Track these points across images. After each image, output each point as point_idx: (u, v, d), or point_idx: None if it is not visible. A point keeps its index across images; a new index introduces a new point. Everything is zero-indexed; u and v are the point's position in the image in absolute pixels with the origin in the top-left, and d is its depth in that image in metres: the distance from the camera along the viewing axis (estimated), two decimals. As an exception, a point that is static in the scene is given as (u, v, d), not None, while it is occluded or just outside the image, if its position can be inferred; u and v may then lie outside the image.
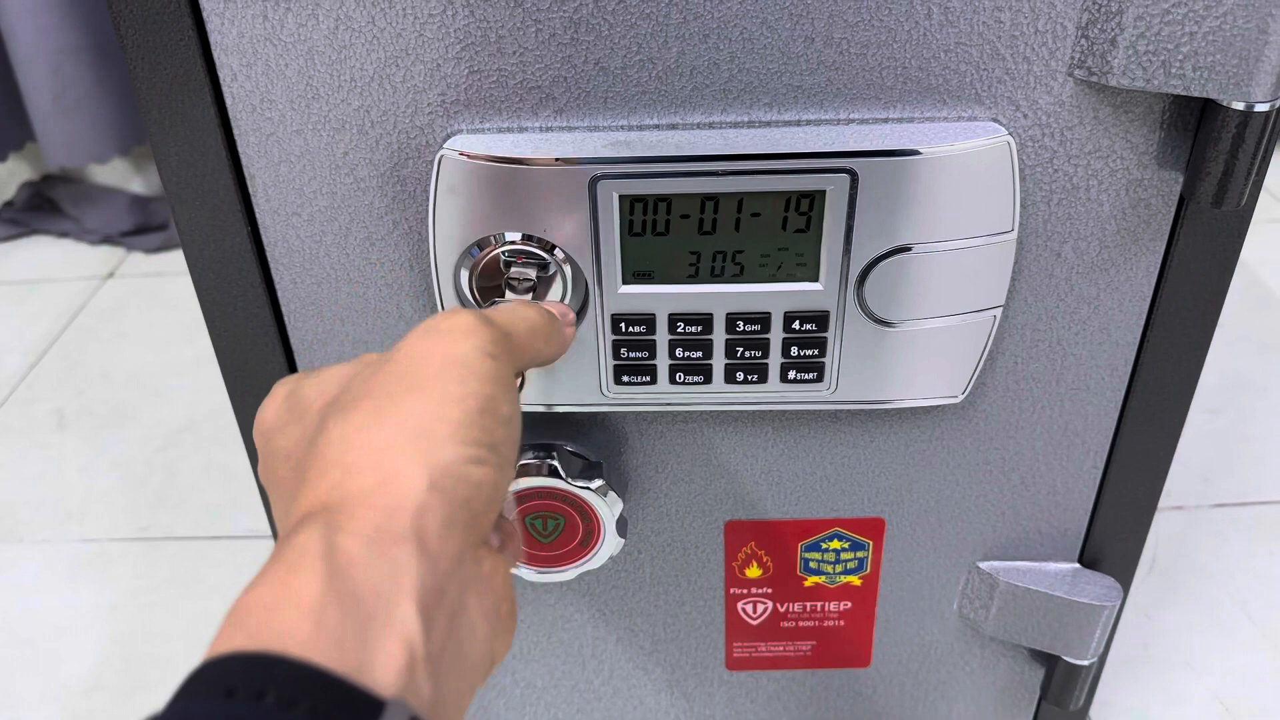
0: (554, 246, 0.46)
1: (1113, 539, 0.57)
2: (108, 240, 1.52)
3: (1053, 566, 0.59)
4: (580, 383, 0.50)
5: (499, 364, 0.35)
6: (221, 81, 0.43)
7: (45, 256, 1.51)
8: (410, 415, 0.32)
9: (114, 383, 1.21)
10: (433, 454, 0.31)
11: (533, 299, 0.47)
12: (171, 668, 0.86)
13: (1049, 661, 0.61)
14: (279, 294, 0.49)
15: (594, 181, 0.44)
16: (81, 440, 1.13)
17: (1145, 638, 0.83)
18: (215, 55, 0.43)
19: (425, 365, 0.33)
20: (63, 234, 1.54)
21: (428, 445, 0.31)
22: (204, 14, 0.42)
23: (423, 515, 0.30)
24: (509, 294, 0.47)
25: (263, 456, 0.37)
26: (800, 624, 0.62)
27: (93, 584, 0.95)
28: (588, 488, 0.52)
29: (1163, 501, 0.96)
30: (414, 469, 0.31)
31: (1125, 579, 0.59)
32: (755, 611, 0.62)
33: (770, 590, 0.61)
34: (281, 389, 0.37)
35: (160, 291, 1.40)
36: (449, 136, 0.44)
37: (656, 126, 0.44)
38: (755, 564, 0.60)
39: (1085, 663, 0.60)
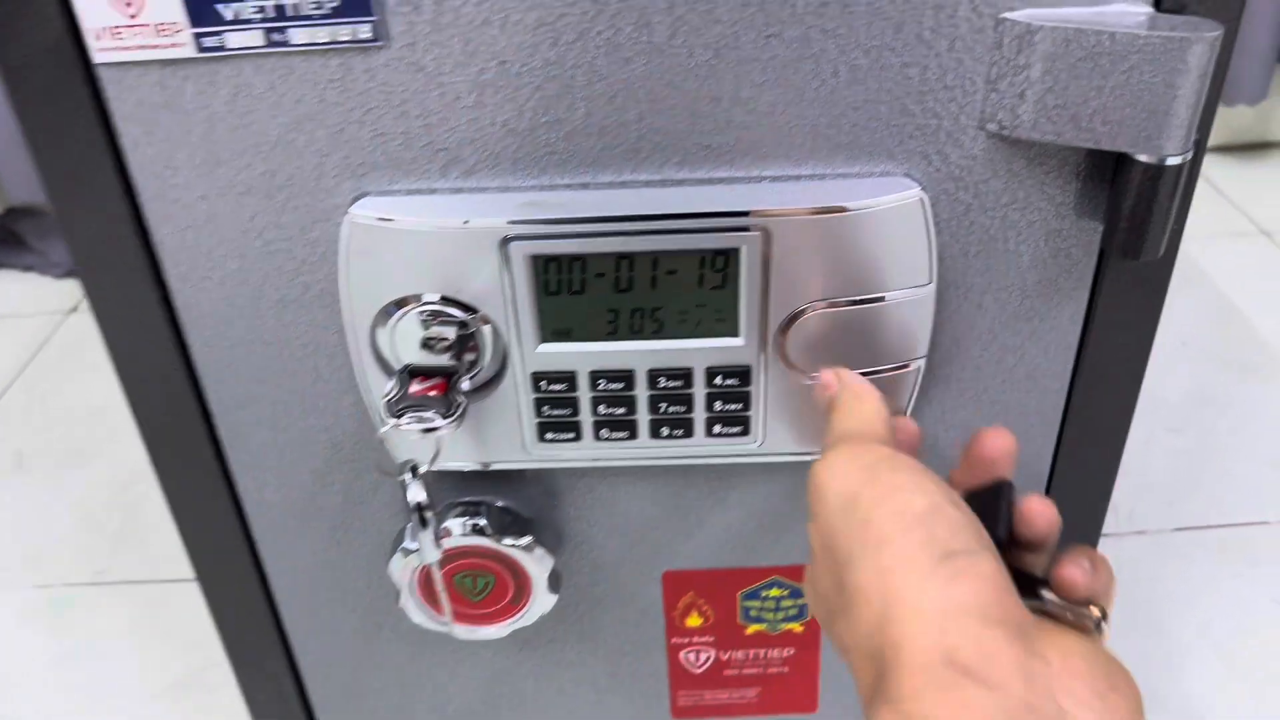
0: (472, 307, 0.45)
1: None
2: (72, 274, 1.50)
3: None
4: (505, 441, 0.49)
5: (876, 469, 0.35)
6: (123, 149, 0.43)
7: (9, 291, 1.50)
8: (865, 589, 0.31)
9: (76, 420, 1.20)
10: (913, 604, 0.30)
11: (450, 358, 0.46)
12: (126, 717, 0.85)
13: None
14: (194, 357, 0.48)
15: (505, 242, 0.43)
16: (40, 481, 1.12)
17: (1105, 668, 0.83)
18: (115, 123, 0.42)
19: (836, 535, 0.34)
20: (27, 268, 1.53)
21: (903, 600, 0.31)
22: (101, 82, 0.41)
23: (953, 656, 0.29)
24: (426, 354, 0.46)
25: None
26: (744, 671, 0.62)
27: (46, 632, 0.94)
28: (515, 545, 0.51)
29: (1125, 526, 0.95)
30: (909, 628, 0.30)
31: (1069, 621, 0.58)
32: (698, 660, 0.61)
33: (712, 639, 0.60)
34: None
35: (124, 325, 1.39)
36: (357, 199, 0.43)
37: (568, 186, 0.44)
38: (695, 613, 0.59)
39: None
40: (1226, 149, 1.64)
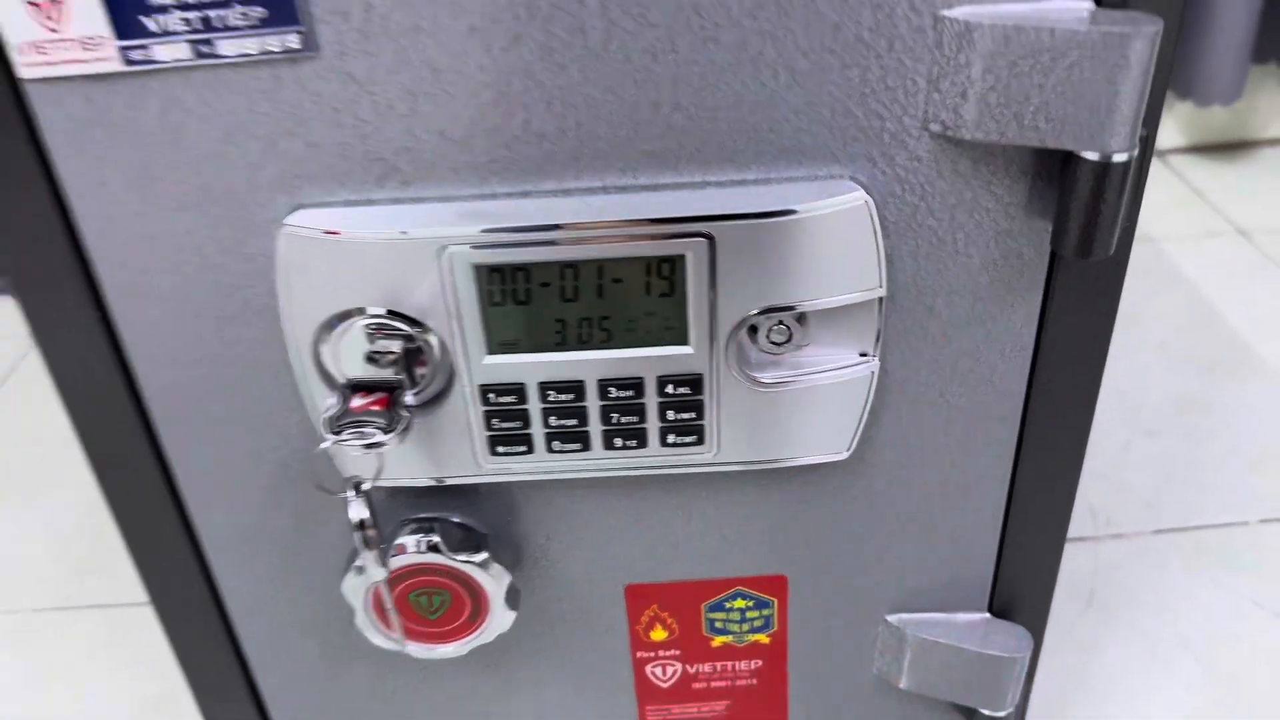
0: (417, 320, 0.44)
1: (1021, 586, 0.56)
2: (46, 296, 1.49)
3: (963, 617, 0.57)
4: (457, 455, 0.48)
5: None
6: (53, 166, 0.42)
7: (-19, 315, 1.48)
8: None
9: (45, 445, 1.19)
10: None
11: (396, 372, 0.45)
12: (92, 744, 0.84)
13: (967, 714, 0.60)
14: (136, 377, 0.47)
15: (444, 252, 0.42)
16: (9, 506, 1.10)
17: (1083, 674, 0.82)
18: (43, 139, 0.41)
19: None
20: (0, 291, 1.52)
21: None
22: (27, 97, 0.40)
23: None
24: (372, 369, 0.45)
25: None
26: (712, 684, 0.61)
27: (13, 657, 0.92)
28: (470, 561, 0.50)
29: (1102, 529, 0.95)
30: None
31: (1037, 626, 0.58)
32: (665, 674, 0.60)
33: (678, 652, 0.59)
34: None
35: (98, 347, 1.38)
36: (293, 211, 0.43)
37: (509, 195, 0.43)
38: (660, 626, 0.58)
39: (1002, 714, 0.58)
40: (1202, 149, 1.64)
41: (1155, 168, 1.61)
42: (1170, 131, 1.64)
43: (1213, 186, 1.53)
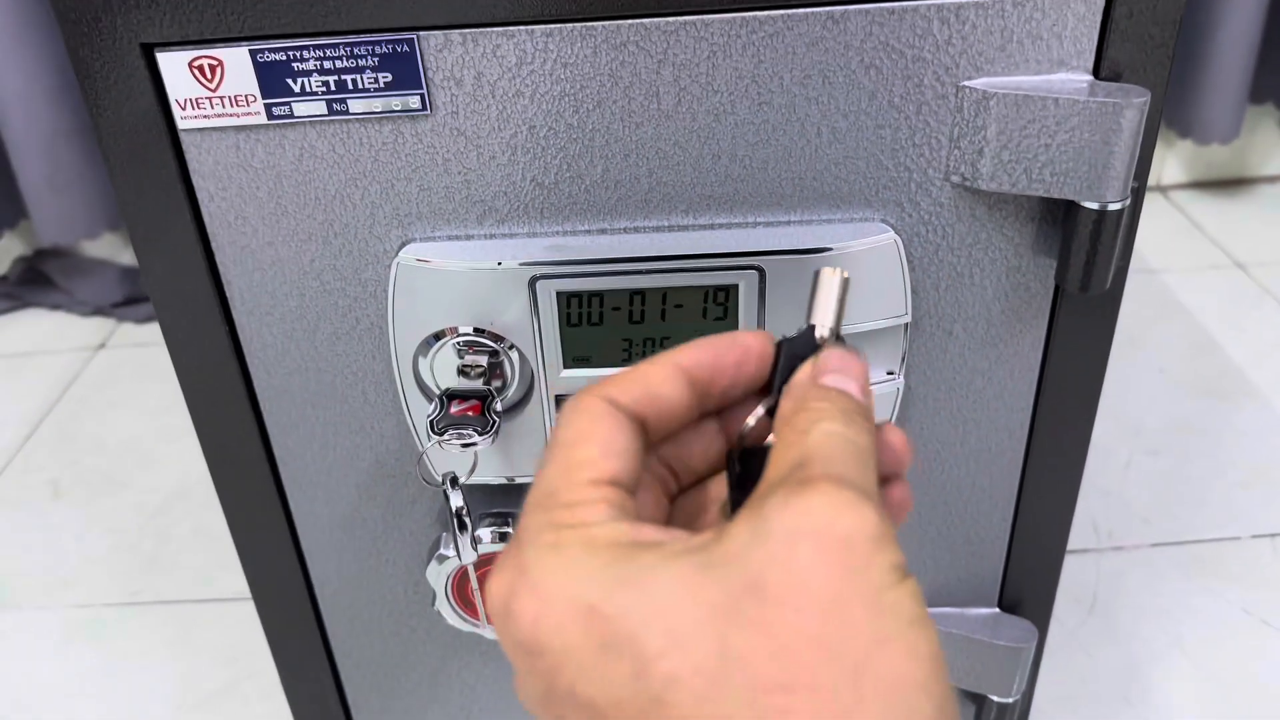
0: (502, 337, 0.51)
1: (1028, 584, 0.63)
2: (99, 311, 1.57)
3: (974, 611, 0.64)
4: (530, 457, 0.55)
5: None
6: (200, 202, 0.49)
7: (38, 329, 1.56)
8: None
9: (107, 451, 1.26)
10: None
11: (483, 383, 0.52)
12: (162, 728, 0.90)
13: (977, 700, 0.66)
14: (255, 383, 0.54)
15: (533, 281, 0.49)
16: (76, 508, 1.17)
17: (1085, 675, 0.88)
18: (194, 180, 0.48)
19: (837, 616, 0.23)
20: (55, 306, 1.60)
21: None
22: (183, 146, 0.48)
23: None
24: (461, 380, 0.52)
25: (523, 673, 0.27)
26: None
27: (86, 648, 0.99)
28: (540, 552, 0.57)
29: (1104, 542, 1.01)
30: None
31: (1042, 620, 0.64)
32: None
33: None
34: (570, 604, 0.25)
35: (151, 361, 1.45)
36: (404, 244, 0.50)
37: (588, 231, 0.50)
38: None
39: (1010, 700, 0.65)
40: (1202, 185, 1.71)
41: (1158, 202, 1.68)
42: (1172, 168, 1.71)
43: (1212, 221, 1.60)
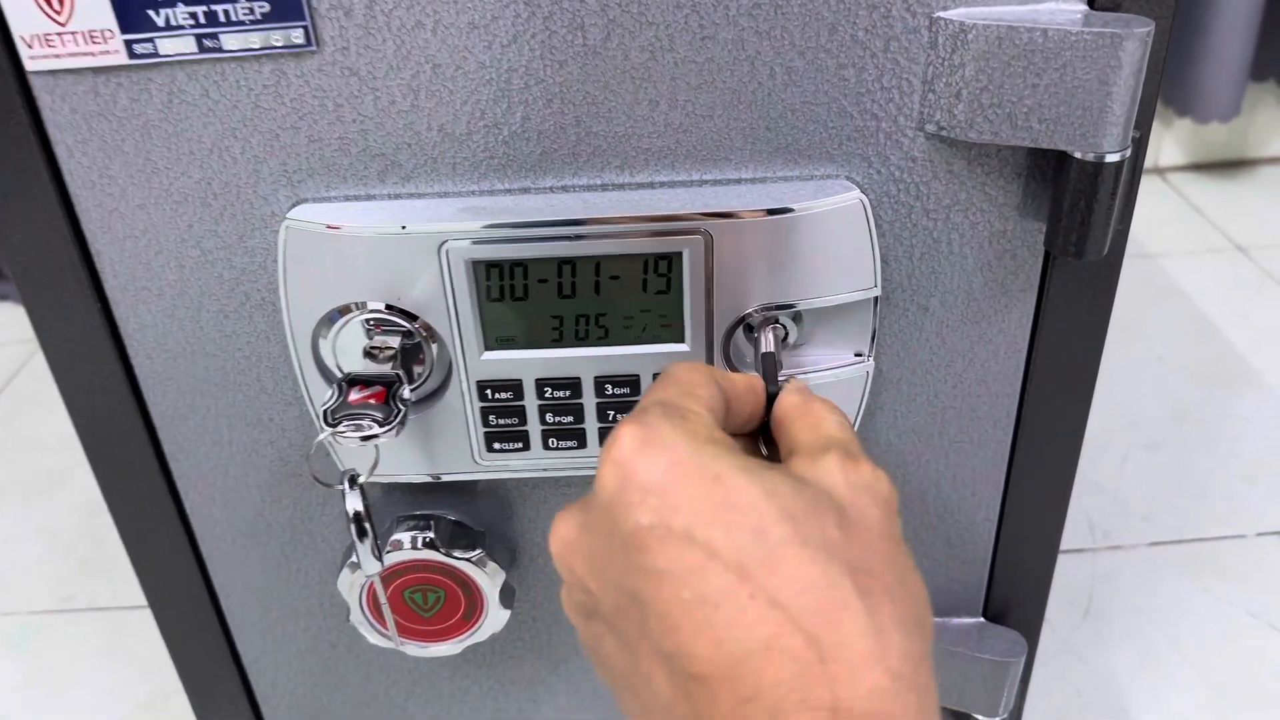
0: (415, 315, 0.45)
1: (1016, 590, 0.56)
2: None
3: (957, 622, 0.57)
4: (453, 451, 0.49)
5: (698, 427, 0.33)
6: (58, 158, 0.42)
7: (-17, 320, 1.49)
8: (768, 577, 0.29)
9: (46, 448, 1.19)
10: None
11: (394, 367, 0.46)
12: (86, 746, 0.83)
13: (960, 719, 0.60)
14: (135, 369, 0.48)
15: (442, 248, 0.43)
16: (10, 509, 1.10)
17: (1080, 683, 0.82)
18: (49, 132, 0.42)
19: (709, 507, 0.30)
20: (2, 297, 1.53)
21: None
22: (34, 90, 0.41)
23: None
24: (370, 363, 0.46)
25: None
26: (707, 687, 0.61)
27: (12, 658, 0.92)
28: (465, 558, 0.50)
29: (1100, 541, 0.95)
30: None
31: (1032, 631, 0.58)
32: (659, 676, 0.60)
33: (672, 654, 0.59)
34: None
35: (100, 352, 1.38)
36: (295, 205, 0.43)
37: (507, 191, 0.43)
38: (654, 628, 0.58)
39: (997, 719, 0.58)
40: (1202, 167, 1.65)
41: (1155, 185, 1.62)
42: (1170, 149, 1.65)
43: (1211, 203, 1.54)
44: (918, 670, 0.30)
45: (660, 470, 0.31)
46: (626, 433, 0.32)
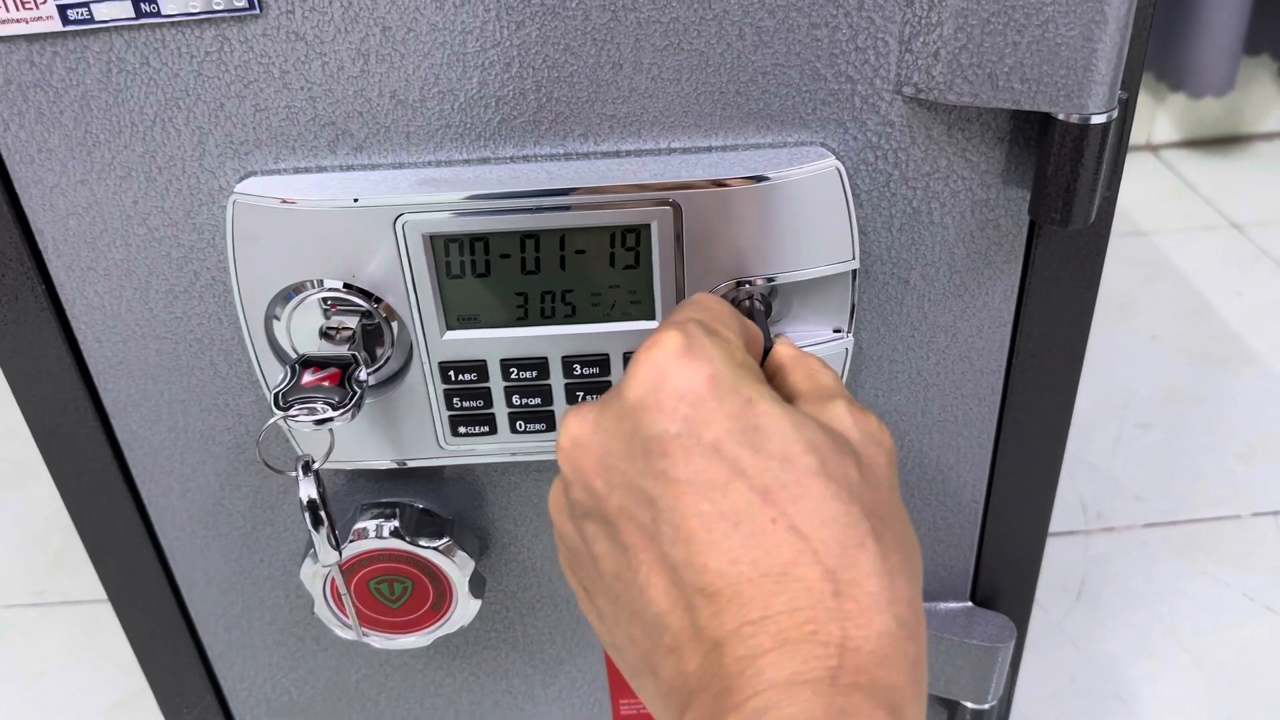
0: (371, 294, 0.43)
1: (1004, 574, 0.55)
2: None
3: (944, 606, 0.56)
4: (416, 436, 0.47)
5: (726, 359, 0.32)
6: (-9, 130, 0.40)
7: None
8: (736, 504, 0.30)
9: (19, 439, 1.17)
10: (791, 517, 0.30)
11: (352, 349, 0.44)
12: (60, 742, 0.82)
13: (949, 707, 0.58)
14: (84, 354, 0.46)
15: (398, 222, 0.41)
16: (-17, 502, 1.09)
17: (1073, 669, 0.80)
18: (-18, 103, 0.40)
19: (695, 444, 0.31)
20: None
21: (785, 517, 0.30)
22: (-37, 60, 0.39)
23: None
24: (327, 345, 0.44)
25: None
26: (688, 677, 0.59)
27: (-17, 655, 0.91)
28: (433, 547, 0.49)
29: (1093, 523, 0.93)
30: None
31: (1021, 615, 0.56)
32: (639, 666, 0.58)
33: (652, 643, 0.57)
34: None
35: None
36: (243, 179, 0.41)
37: (466, 161, 0.41)
38: (632, 616, 0.56)
39: (986, 707, 0.57)
40: (1196, 143, 1.63)
41: (1148, 161, 1.60)
42: (1163, 125, 1.63)
43: (1206, 180, 1.52)
44: (919, 622, 0.30)
45: (698, 382, 0.31)
46: (669, 337, 0.32)
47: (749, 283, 0.43)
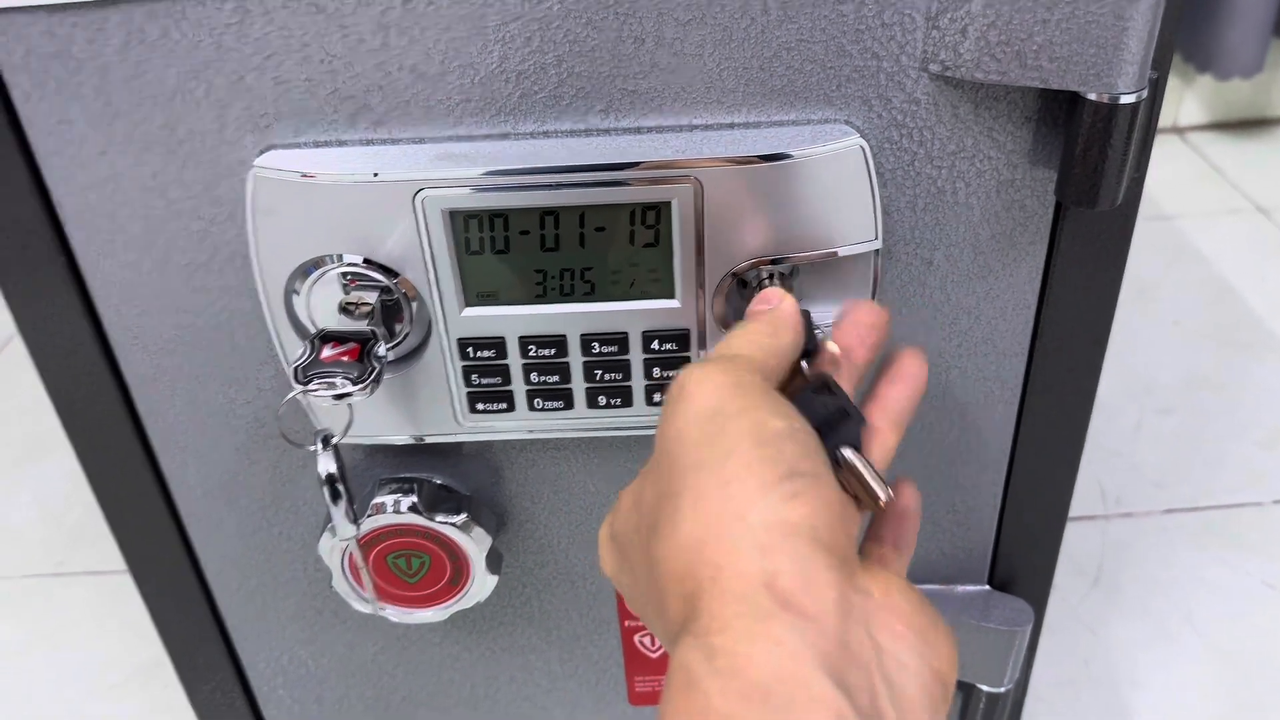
0: (390, 269, 0.43)
1: (1022, 558, 0.54)
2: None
3: (962, 589, 0.56)
4: (435, 412, 0.47)
5: (745, 388, 0.33)
6: (14, 103, 0.40)
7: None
8: (701, 496, 0.30)
9: (36, 414, 1.18)
10: (745, 518, 0.29)
11: (371, 324, 0.44)
12: (75, 708, 0.83)
13: (965, 689, 0.58)
14: (105, 327, 0.46)
15: (418, 197, 0.41)
16: (2, 473, 1.09)
17: (1088, 655, 0.80)
18: (4, 75, 0.40)
19: (686, 441, 0.32)
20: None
21: (734, 512, 0.30)
22: (-16, 30, 0.39)
23: (774, 581, 0.28)
24: (346, 320, 0.44)
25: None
26: (702, 656, 0.59)
27: (9, 622, 0.91)
28: (450, 523, 0.49)
29: (1111, 508, 0.93)
30: (735, 543, 0.29)
31: (1039, 599, 0.56)
32: (654, 644, 0.58)
33: (667, 622, 0.57)
34: (603, 534, 0.36)
35: (99, 316, 1.37)
36: (263, 152, 0.41)
37: (486, 137, 0.41)
38: (648, 595, 0.56)
39: (1001, 690, 0.56)
40: (1222, 126, 1.60)
41: (1174, 144, 1.58)
42: (1190, 108, 1.61)
43: (1232, 163, 1.50)
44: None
45: (731, 384, 0.33)
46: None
47: (769, 261, 0.42)
